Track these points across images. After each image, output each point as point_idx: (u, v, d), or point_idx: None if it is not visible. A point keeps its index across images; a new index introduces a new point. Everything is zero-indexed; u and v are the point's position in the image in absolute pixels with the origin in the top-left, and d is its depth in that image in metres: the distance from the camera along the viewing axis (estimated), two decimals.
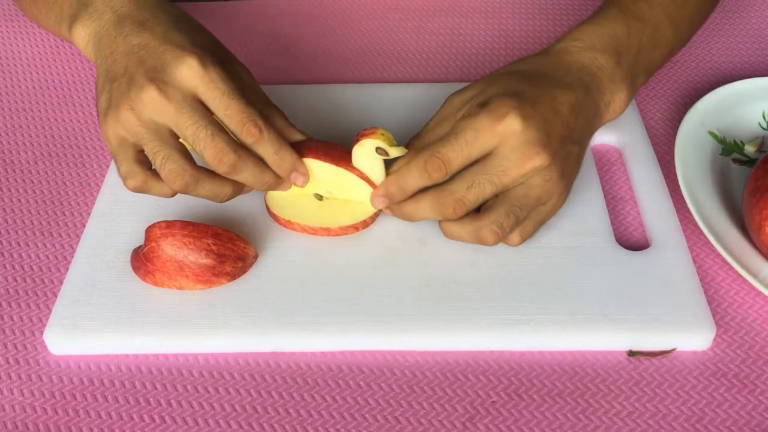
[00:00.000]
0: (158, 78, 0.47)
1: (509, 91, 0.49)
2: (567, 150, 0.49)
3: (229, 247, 0.50)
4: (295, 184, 0.52)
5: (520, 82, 0.50)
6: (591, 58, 0.52)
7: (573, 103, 0.50)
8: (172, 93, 0.47)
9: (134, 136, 0.48)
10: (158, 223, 0.50)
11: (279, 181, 0.52)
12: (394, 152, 0.51)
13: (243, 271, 0.52)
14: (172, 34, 0.49)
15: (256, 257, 0.52)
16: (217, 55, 0.49)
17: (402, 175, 0.50)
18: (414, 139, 0.54)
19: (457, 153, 0.48)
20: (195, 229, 0.50)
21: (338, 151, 0.53)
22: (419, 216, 0.51)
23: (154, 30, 0.49)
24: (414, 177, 0.49)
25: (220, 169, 0.48)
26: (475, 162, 0.49)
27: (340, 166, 0.52)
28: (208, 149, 0.48)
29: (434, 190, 0.49)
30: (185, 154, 0.49)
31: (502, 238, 0.50)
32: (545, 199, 0.50)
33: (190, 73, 0.47)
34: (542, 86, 0.50)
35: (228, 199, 0.51)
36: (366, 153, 0.52)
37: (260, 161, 0.50)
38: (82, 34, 0.51)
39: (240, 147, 0.49)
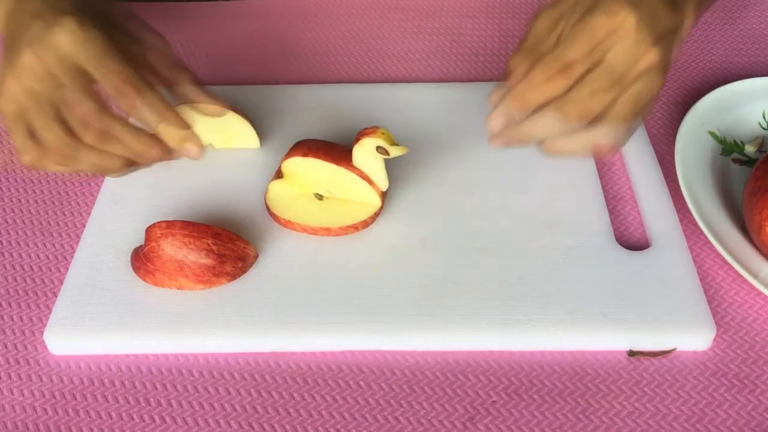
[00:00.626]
0: (36, 41, 0.45)
1: None
2: (670, 42, 0.47)
3: (229, 247, 0.50)
4: (189, 157, 0.49)
5: None
6: None
7: (667, 2, 0.47)
8: (47, 56, 0.45)
9: (18, 107, 0.46)
10: (158, 223, 0.50)
11: (162, 145, 0.48)
12: (395, 151, 0.51)
13: (243, 271, 0.52)
14: (62, 2, 0.47)
15: (256, 257, 0.52)
16: (121, 22, 0.47)
17: (525, 89, 0.47)
18: (514, 58, 0.50)
19: (578, 55, 0.45)
20: (195, 229, 0.50)
21: (338, 150, 0.53)
22: (537, 133, 0.48)
23: (48, 1, 0.47)
24: (537, 88, 0.46)
25: (87, 138, 0.46)
26: (592, 68, 0.46)
27: (341, 166, 0.52)
28: (73, 115, 0.46)
29: (555, 103, 0.47)
30: (64, 124, 0.47)
31: (616, 148, 0.48)
32: (650, 101, 0.47)
33: (66, 34, 0.45)
34: None
35: (119, 173, 0.49)
36: (366, 152, 0.52)
37: (134, 128, 0.48)
38: (0, 14, 0.50)
39: (109, 115, 0.46)
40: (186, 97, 0.51)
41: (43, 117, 0.46)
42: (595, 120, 0.47)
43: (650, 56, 0.45)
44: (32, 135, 0.48)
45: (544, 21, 0.49)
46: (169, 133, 0.48)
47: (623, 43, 0.45)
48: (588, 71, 0.46)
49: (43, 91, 0.46)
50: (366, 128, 0.52)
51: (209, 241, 0.50)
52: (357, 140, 0.52)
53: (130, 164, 0.49)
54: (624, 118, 0.47)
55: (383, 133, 0.51)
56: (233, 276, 0.51)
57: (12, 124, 0.48)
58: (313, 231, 0.54)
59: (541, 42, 0.49)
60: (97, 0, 0.50)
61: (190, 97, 0.50)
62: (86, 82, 0.47)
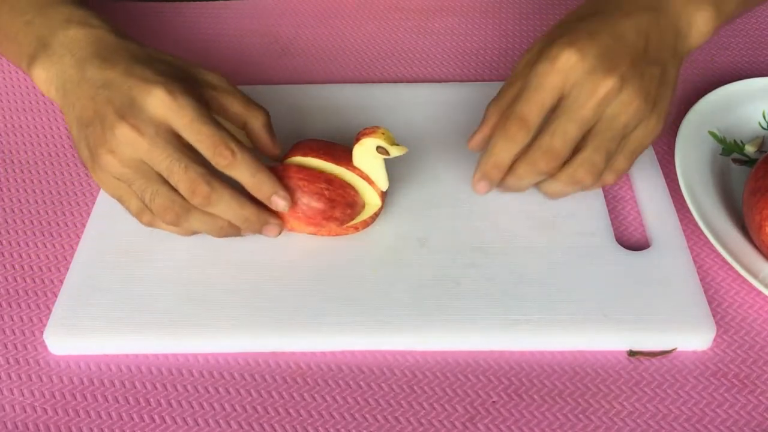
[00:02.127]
0: (128, 114, 0.46)
1: (563, 33, 0.48)
2: (641, 70, 0.48)
3: (340, 192, 0.51)
4: (276, 208, 0.51)
5: (575, 23, 0.49)
6: None
7: (637, 27, 0.48)
8: (145, 127, 0.46)
9: (122, 178, 0.47)
10: (273, 166, 0.51)
11: (261, 218, 0.51)
12: (395, 151, 0.51)
13: (351, 218, 0.52)
14: (135, 68, 0.47)
15: (363, 206, 0.53)
16: (185, 81, 0.48)
17: (491, 152, 0.50)
18: (491, 104, 0.53)
19: (531, 105, 0.47)
20: (309, 173, 0.51)
21: (339, 150, 0.53)
22: (524, 184, 0.51)
23: (116, 67, 0.48)
24: (502, 148, 0.49)
25: (194, 201, 0.47)
26: (553, 111, 0.48)
27: (341, 166, 0.52)
28: (182, 181, 0.47)
29: (524, 153, 0.49)
30: (172, 187, 0.48)
31: (597, 175, 0.49)
32: (632, 126, 0.48)
33: (158, 103, 0.46)
34: (599, 21, 0.49)
35: (228, 234, 0.51)
36: (367, 152, 0.52)
37: (239, 194, 0.49)
38: (42, 76, 0.50)
39: (216, 179, 0.48)
40: (253, 135, 0.53)
41: (150, 185, 0.47)
42: (575, 153, 0.49)
43: (607, 84, 0.46)
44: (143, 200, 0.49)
45: (521, 62, 0.52)
46: (259, 188, 0.49)
47: (572, 78, 0.47)
48: (552, 113, 0.48)
49: (146, 160, 0.47)
50: (366, 128, 0.52)
51: (322, 186, 0.51)
52: (357, 140, 0.52)
53: (236, 228, 0.51)
54: (599, 153, 0.49)
55: (383, 133, 0.51)
56: (341, 222, 0.52)
57: (118, 193, 0.49)
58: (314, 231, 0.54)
59: (516, 80, 0.51)
60: (160, 60, 0.50)
61: (261, 141, 0.53)
62: (186, 146, 0.47)
